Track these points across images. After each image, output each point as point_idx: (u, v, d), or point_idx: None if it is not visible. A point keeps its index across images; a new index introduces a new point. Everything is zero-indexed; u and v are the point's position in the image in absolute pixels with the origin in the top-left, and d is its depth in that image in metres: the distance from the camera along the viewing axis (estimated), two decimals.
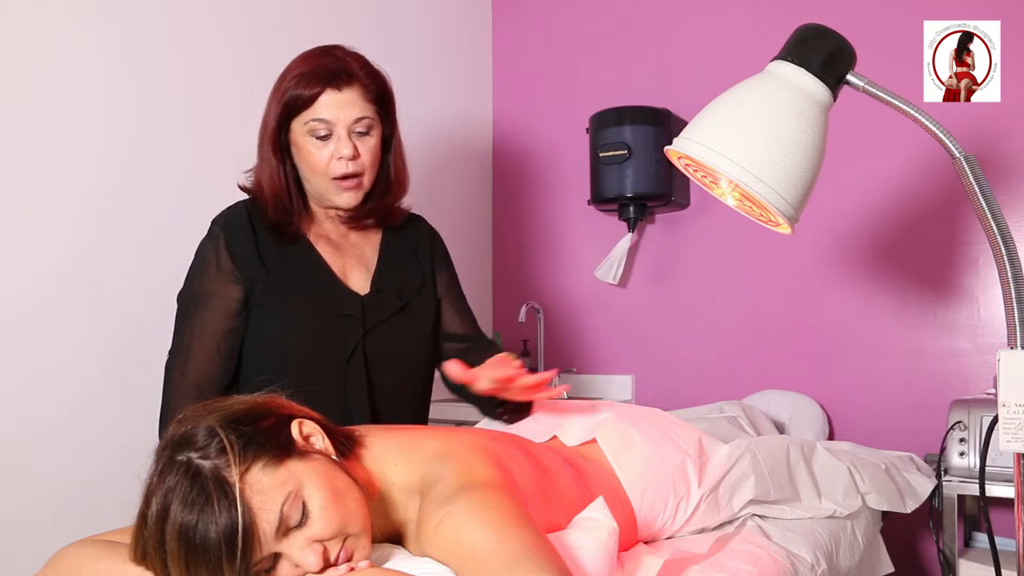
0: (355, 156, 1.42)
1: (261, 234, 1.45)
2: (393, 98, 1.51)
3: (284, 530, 0.88)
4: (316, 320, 1.43)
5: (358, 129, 1.42)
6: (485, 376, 1.31)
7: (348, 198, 1.46)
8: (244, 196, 1.51)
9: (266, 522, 0.87)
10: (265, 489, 0.88)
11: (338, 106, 1.40)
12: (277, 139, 1.44)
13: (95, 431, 1.78)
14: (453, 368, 1.31)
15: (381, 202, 1.53)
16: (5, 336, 1.65)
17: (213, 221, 1.48)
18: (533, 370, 2.90)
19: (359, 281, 1.50)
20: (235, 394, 1.39)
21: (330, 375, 1.42)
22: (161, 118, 1.94)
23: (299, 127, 1.42)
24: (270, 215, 1.46)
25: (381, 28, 2.57)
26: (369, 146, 1.45)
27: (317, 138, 1.41)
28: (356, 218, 1.52)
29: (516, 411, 1.47)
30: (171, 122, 1.96)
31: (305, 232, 1.50)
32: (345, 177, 1.42)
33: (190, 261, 1.47)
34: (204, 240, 1.46)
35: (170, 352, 1.43)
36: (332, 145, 1.41)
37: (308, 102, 1.40)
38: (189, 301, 1.43)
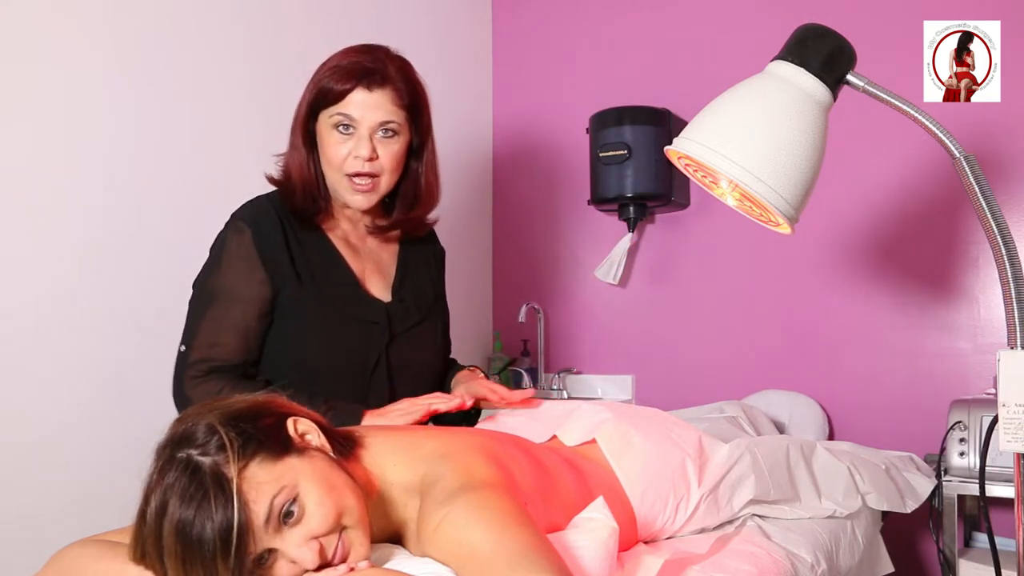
0: (372, 158, 1.40)
1: (289, 231, 1.43)
2: (427, 109, 1.50)
3: (275, 523, 0.88)
4: (340, 326, 1.42)
5: (381, 132, 1.41)
6: (466, 394, 1.40)
7: (360, 200, 1.44)
8: (246, 193, 1.50)
9: (256, 515, 0.87)
10: (261, 483, 0.88)
11: (365, 106, 1.39)
12: (307, 128, 1.44)
13: (97, 433, 1.78)
14: (445, 405, 1.37)
15: (409, 214, 1.52)
16: (11, 338, 1.65)
17: (235, 215, 1.45)
18: (532, 371, 2.91)
19: (378, 288, 1.50)
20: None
21: (353, 382, 1.41)
22: (167, 118, 1.94)
23: (325, 119, 1.42)
24: (297, 203, 1.44)
25: (381, 28, 2.57)
26: (391, 151, 1.43)
27: (340, 132, 1.40)
28: (383, 229, 1.52)
29: (469, 418, 1.56)
30: (177, 122, 1.96)
31: (327, 232, 1.48)
32: (358, 175, 1.41)
33: (197, 264, 1.45)
34: (228, 233, 1.42)
35: (183, 342, 1.40)
36: (352, 143, 1.40)
37: (338, 97, 1.39)
38: (207, 295, 1.40)
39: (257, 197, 1.48)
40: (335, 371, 1.40)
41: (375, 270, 1.51)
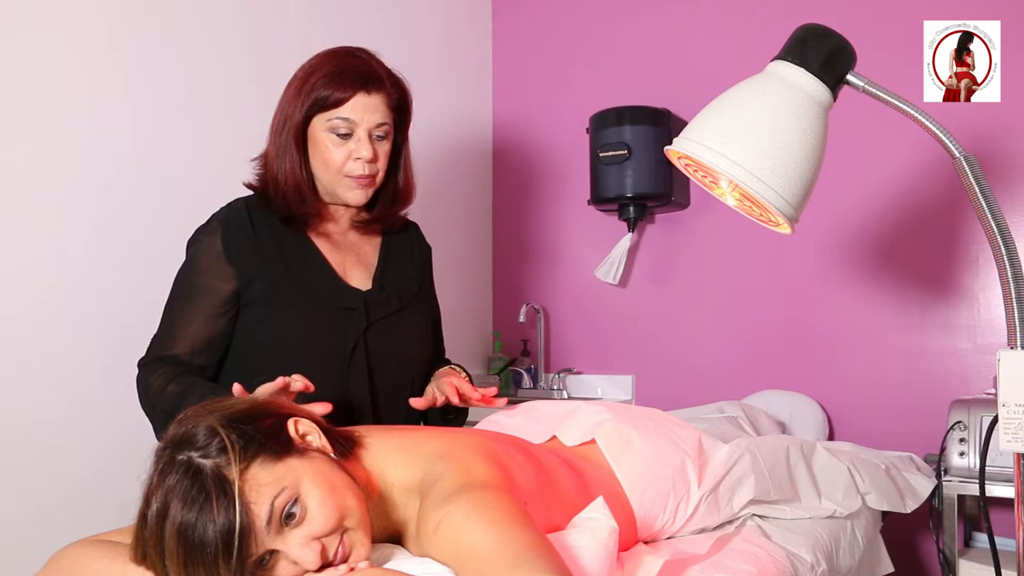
0: (373, 159, 1.44)
1: (261, 231, 1.46)
2: (411, 109, 1.54)
3: (276, 525, 0.88)
4: (317, 314, 1.44)
5: (377, 133, 1.45)
6: (448, 392, 1.44)
7: (359, 195, 1.47)
8: (245, 193, 1.51)
9: (258, 517, 0.87)
10: (262, 484, 0.88)
11: (365, 109, 1.43)
12: (300, 133, 1.46)
13: (95, 431, 1.78)
14: (418, 403, 1.43)
15: (388, 210, 1.56)
16: (5, 336, 1.65)
17: (213, 216, 1.48)
18: (532, 370, 2.91)
19: (359, 279, 1.51)
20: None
21: (331, 370, 1.42)
22: (162, 119, 1.94)
23: (320, 123, 1.44)
24: (284, 207, 1.46)
25: (381, 29, 2.57)
26: (384, 151, 1.48)
27: (337, 135, 1.43)
28: (363, 224, 1.55)
29: (458, 416, 1.58)
30: (172, 123, 1.96)
31: (309, 232, 1.50)
32: (360, 177, 1.45)
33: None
34: (201, 233, 1.46)
35: (154, 337, 1.45)
36: (351, 145, 1.43)
37: (339, 102, 1.42)
38: (175, 290, 1.45)
39: (236, 199, 1.51)
40: (312, 357, 1.41)
41: (356, 262, 1.53)
